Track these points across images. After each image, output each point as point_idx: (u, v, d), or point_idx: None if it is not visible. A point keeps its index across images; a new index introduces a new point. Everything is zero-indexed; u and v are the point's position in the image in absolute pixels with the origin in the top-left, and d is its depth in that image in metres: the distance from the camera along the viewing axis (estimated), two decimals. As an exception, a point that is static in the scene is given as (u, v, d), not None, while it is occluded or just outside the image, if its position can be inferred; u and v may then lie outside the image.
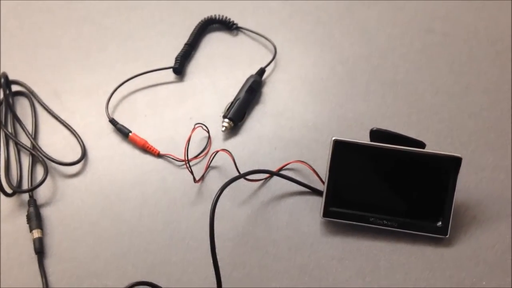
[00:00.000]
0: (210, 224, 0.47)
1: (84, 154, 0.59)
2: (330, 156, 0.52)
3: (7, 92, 0.62)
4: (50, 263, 0.52)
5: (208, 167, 0.58)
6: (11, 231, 0.54)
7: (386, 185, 0.53)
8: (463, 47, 0.69)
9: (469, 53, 0.68)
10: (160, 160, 0.60)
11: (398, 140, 0.53)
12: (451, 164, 0.51)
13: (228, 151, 0.57)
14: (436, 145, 0.58)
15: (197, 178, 0.57)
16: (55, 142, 0.61)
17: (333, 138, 0.52)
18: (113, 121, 0.61)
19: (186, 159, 0.56)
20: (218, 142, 0.61)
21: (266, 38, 0.70)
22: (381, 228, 0.52)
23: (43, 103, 0.64)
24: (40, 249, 0.51)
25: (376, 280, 0.50)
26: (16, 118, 0.62)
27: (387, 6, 0.74)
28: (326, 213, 0.52)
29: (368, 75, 0.66)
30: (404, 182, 0.52)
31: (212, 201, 0.50)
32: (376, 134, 0.54)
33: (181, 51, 0.68)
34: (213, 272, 0.50)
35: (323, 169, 0.56)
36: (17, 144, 0.59)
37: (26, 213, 0.54)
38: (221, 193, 0.49)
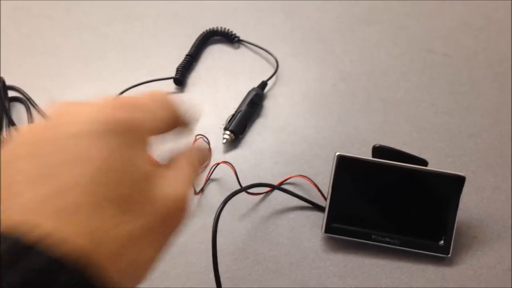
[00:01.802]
0: (212, 238, 0.46)
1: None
2: (333, 172, 0.52)
3: (4, 97, 0.61)
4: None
5: (208, 179, 0.57)
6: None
7: (389, 202, 0.52)
8: (463, 67, 0.69)
9: (469, 74, 0.69)
10: (159, 171, 0.58)
11: (401, 157, 0.53)
12: (454, 183, 0.51)
13: (230, 163, 0.56)
14: (437, 164, 0.58)
15: (197, 190, 0.56)
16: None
17: (337, 154, 0.52)
18: (112, 130, 0.60)
19: (187, 170, 0.55)
20: (218, 154, 0.60)
21: (267, 52, 0.70)
22: (383, 245, 0.52)
23: (40, 110, 0.62)
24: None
25: (378, 299, 0.49)
26: (12, 124, 0.60)
27: (387, 25, 0.75)
28: (328, 229, 0.52)
29: (369, 93, 0.67)
30: (406, 200, 0.52)
31: (214, 214, 0.49)
32: (378, 151, 0.54)
33: (182, 62, 0.67)
34: (212, 287, 0.49)
35: (324, 184, 0.55)
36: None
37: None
38: (223, 206, 0.48)
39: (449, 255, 0.51)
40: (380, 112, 0.64)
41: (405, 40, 0.73)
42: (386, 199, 0.52)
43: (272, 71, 0.68)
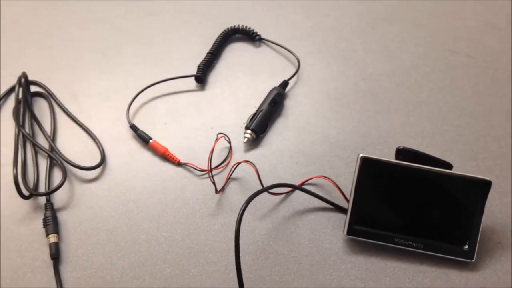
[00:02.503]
0: (235, 238, 0.46)
1: (103, 159, 0.58)
2: (356, 173, 0.51)
3: (26, 92, 0.61)
4: (66, 270, 0.50)
5: (228, 178, 0.57)
6: (27, 235, 0.52)
7: (413, 205, 0.52)
8: (487, 69, 0.68)
9: (493, 75, 0.68)
10: (180, 169, 0.58)
11: (425, 160, 0.52)
12: (480, 188, 0.50)
13: (252, 163, 0.56)
14: (460, 167, 0.57)
15: (218, 189, 0.55)
16: (73, 146, 0.60)
17: (360, 155, 0.51)
18: (133, 127, 0.60)
19: (209, 168, 0.55)
20: (239, 153, 0.60)
21: (289, 51, 0.69)
22: (406, 249, 0.51)
23: (62, 105, 0.62)
24: (56, 255, 0.50)
25: (400, 303, 0.49)
26: (34, 119, 0.60)
27: (409, 25, 0.74)
28: (350, 231, 0.51)
29: (391, 93, 0.66)
30: (431, 203, 0.51)
31: (234, 214, 0.50)
32: (402, 153, 0.53)
33: (203, 60, 0.67)
34: (233, 286, 0.49)
35: (346, 185, 0.55)
36: (35, 146, 0.58)
37: (42, 217, 0.53)
38: (246, 206, 0.48)
39: (473, 260, 0.50)
40: (402, 113, 0.64)
41: (428, 40, 0.72)
42: (409, 202, 0.52)
43: (293, 70, 0.68)
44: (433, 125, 0.62)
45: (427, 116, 0.63)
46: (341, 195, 0.55)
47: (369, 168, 0.51)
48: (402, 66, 0.69)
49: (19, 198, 0.53)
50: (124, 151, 0.60)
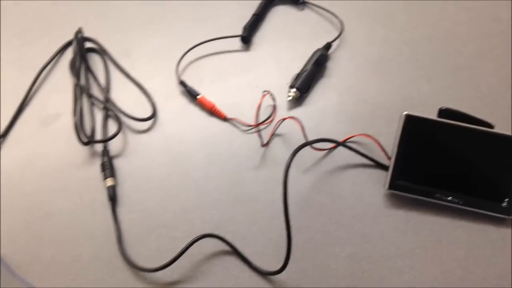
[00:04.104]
0: (283, 187, 0.48)
1: (155, 112, 0.60)
2: (400, 130, 0.53)
3: (82, 46, 0.64)
4: (122, 211, 0.54)
5: (273, 134, 0.59)
6: (85, 179, 0.56)
7: (454, 162, 0.53)
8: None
9: (536, 43, 0.68)
10: (226, 124, 0.61)
11: (467, 121, 0.54)
12: (521, 147, 0.51)
13: (297, 118, 0.58)
14: (500, 130, 0.58)
15: (263, 143, 0.58)
16: (125, 99, 0.63)
17: (405, 113, 0.53)
18: (183, 83, 0.63)
19: (257, 123, 0.58)
20: (282, 111, 0.62)
21: (332, 14, 0.71)
22: (445, 204, 0.53)
23: (116, 61, 0.65)
24: (113, 197, 0.53)
25: (438, 254, 0.51)
26: (90, 71, 0.63)
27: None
28: (392, 186, 0.53)
29: (433, 58, 0.67)
30: (471, 161, 0.53)
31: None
32: (444, 113, 0.55)
33: (249, 21, 0.69)
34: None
35: (386, 144, 0.57)
36: (91, 97, 0.61)
37: (100, 162, 0.56)
38: (293, 158, 0.50)
39: (511, 217, 0.52)
40: (443, 77, 0.65)
41: (470, 6, 0.72)
42: (451, 159, 0.53)
43: (335, 33, 0.69)
44: (473, 90, 0.63)
45: (467, 81, 0.64)
46: (382, 153, 0.57)
47: (412, 126, 0.53)
48: (444, 32, 0.70)
49: (78, 145, 0.57)
50: (173, 106, 0.62)
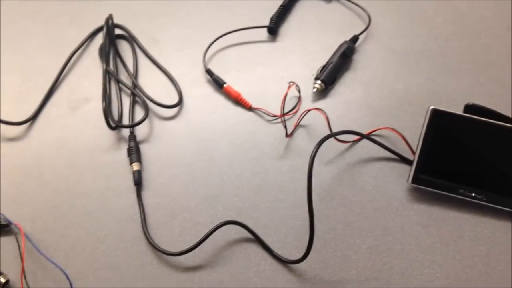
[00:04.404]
0: (308, 176, 0.48)
1: (181, 99, 0.61)
2: (426, 124, 0.53)
3: (112, 33, 0.65)
4: (146, 196, 0.55)
5: (297, 125, 0.60)
6: (112, 162, 0.57)
7: (478, 158, 0.53)
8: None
9: None
10: (251, 113, 0.62)
11: (493, 117, 0.53)
12: (549, 145, 0.51)
13: (322, 110, 0.58)
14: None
15: (288, 133, 0.58)
16: (152, 86, 0.64)
17: (431, 107, 0.53)
18: (209, 72, 0.63)
19: (282, 113, 0.58)
20: (307, 102, 0.63)
21: (360, 7, 0.70)
22: (468, 200, 0.53)
23: (144, 48, 0.66)
24: (138, 181, 0.54)
25: (459, 250, 0.51)
26: (119, 57, 0.64)
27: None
28: (415, 180, 0.53)
29: (460, 53, 0.66)
30: (496, 158, 0.53)
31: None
32: (471, 109, 0.55)
33: (276, 12, 0.69)
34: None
35: (411, 138, 0.57)
36: (119, 83, 0.62)
37: (126, 147, 0.57)
38: (318, 148, 0.50)
39: (535, 215, 0.52)
40: (470, 73, 0.64)
41: (498, 2, 0.71)
42: (476, 155, 0.53)
43: (362, 27, 0.69)
44: (501, 87, 0.63)
45: (495, 78, 0.63)
46: (406, 147, 0.57)
47: (438, 120, 0.53)
48: (472, 28, 0.69)
49: (105, 129, 0.58)
50: (199, 94, 0.63)
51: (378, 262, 0.50)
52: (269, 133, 0.60)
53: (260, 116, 0.61)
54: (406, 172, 0.56)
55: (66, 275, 0.48)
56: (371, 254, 0.51)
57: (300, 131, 0.60)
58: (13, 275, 0.49)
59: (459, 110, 0.55)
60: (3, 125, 0.59)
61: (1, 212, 0.52)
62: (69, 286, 0.48)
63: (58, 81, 0.63)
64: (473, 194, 0.52)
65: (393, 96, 0.63)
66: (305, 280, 0.50)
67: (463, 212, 0.53)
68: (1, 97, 0.63)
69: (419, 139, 0.54)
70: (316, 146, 0.51)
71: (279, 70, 0.65)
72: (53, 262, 0.49)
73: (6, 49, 0.67)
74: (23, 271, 0.48)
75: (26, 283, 0.48)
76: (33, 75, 0.65)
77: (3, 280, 0.48)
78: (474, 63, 0.65)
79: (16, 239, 0.51)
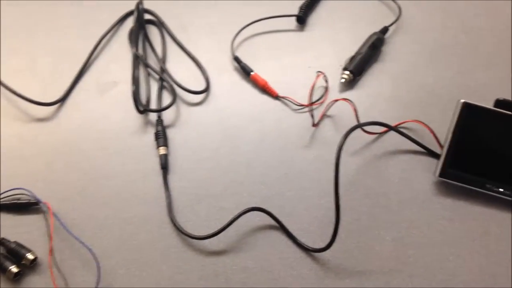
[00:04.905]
0: (335, 166, 0.48)
1: (208, 85, 0.62)
2: (456, 118, 0.53)
3: (142, 17, 0.66)
4: (173, 179, 0.55)
5: (324, 115, 0.60)
6: (139, 146, 0.58)
7: (508, 154, 0.52)
8: None
9: None
10: (277, 102, 0.62)
11: (525, 113, 0.52)
12: None
13: (350, 100, 0.58)
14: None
15: (315, 122, 0.58)
16: (180, 71, 0.64)
17: (462, 101, 0.53)
18: (237, 59, 0.63)
19: (310, 102, 0.58)
20: (334, 92, 0.62)
21: (390, -2, 0.70)
22: (495, 195, 0.52)
23: (172, 33, 0.67)
24: (165, 165, 0.55)
25: (485, 245, 0.50)
26: (148, 42, 0.65)
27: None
28: (443, 174, 0.53)
29: (492, 48, 0.65)
30: (527, 154, 0.52)
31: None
32: (501, 104, 0.54)
33: (305, 1, 0.69)
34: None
35: (439, 132, 0.56)
36: (147, 67, 0.62)
37: (154, 131, 0.58)
38: (346, 138, 0.50)
39: None
40: (501, 68, 0.63)
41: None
42: (505, 151, 0.52)
43: (392, 18, 0.68)
44: (534, 83, 0.62)
45: (528, 73, 0.62)
46: (433, 141, 0.56)
47: (468, 114, 0.52)
48: (504, 22, 0.68)
49: (133, 113, 0.59)
50: (226, 81, 0.63)
51: (402, 254, 0.50)
52: (295, 122, 0.60)
53: (286, 104, 0.61)
54: (432, 166, 0.55)
55: (93, 254, 0.49)
56: (395, 246, 0.51)
57: (326, 121, 0.60)
58: (41, 252, 0.50)
59: (489, 105, 0.54)
60: (34, 105, 0.60)
61: (31, 190, 0.52)
62: (95, 265, 0.48)
63: (88, 63, 0.64)
64: (501, 189, 0.52)
65: (421, 89, 0.62)
66: (328, 269, 0.50)
67: (490, 208, 0.53)
68: (33, 78, 0.63)
69: (448, 133, 0.53)
70: (344, 136, 0.50)
71: (306, 60, 0.65)
72: (80, 241, 0.50)
73: (39, 30, 0.68)
74: (51, 249, 0.49)
75: (54, 260, 0.49)
76: (64, 56, 0.65)
77: (31, 257, 0.49)
78: (505, 58, 0.64)
79: (45, 217, 0.52)
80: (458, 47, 0.66)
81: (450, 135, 0.53)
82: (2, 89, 0.61)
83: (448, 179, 0.53)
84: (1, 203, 0.52)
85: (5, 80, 0.61)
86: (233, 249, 0.51)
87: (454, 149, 0.53)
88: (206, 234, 0.50)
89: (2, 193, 0.53)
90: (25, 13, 0.70)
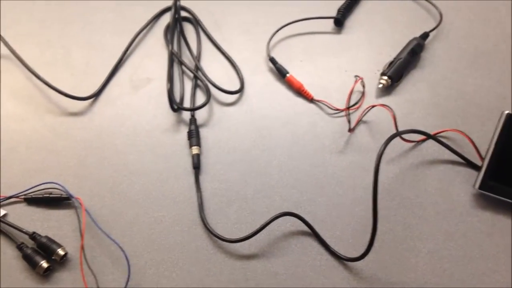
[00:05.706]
0: (374, 174, 0.47)
1: (242, 85, 0.61)
2: (499, 129, 0.51)
3: (179, 14, 0.65)
4: (204, 180, 0.55)
5: (359, 120, 0.58)
6: (171, 144, 0.57)
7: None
8: None
9: None
10: (312, 105, 0.60)
11: None
12: None
13: (389, 107, 0.57)
14: None
15: (351, 127, 0.57)
16: (214, 70, 0.63)
17: (506, 112, 0.51)
18: (273, 60, 0.62)
19: (348, 107, 0.57)
20: (370, 98, 0.61)
21: (431, 3, 0.68)
22: (538, 212, 0.50)
23: (208, 32, 0.66)
24: (197, 165, 0.54)
25: (526, 262, 0.49)
26: (184, 40, 0.64)
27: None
28: (483, 186, 0.51)
29: (535, 58, 0.63)
30: None
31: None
32: (547, 117, 0.52)
33: (344, 3, 0.67)
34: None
35: (478, 143, 0.54)
36: (182, 65, 0.62)
37: (187, 130, 0.57)
38: (386, 146, 0.48)
39: None
40: (545, 79, 0.61)
41: None
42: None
43: (431, 24, 0.67)
44: None
45: None
46: (473, 151, 0.55)
47: (512, 126, 0.50)
48: (549, 32, 0.66)
49: (166, 110, 0.58)
50: (261, 81, 0.62)
51: (438, 267, 0.49)
52: (330, 126, 0.59)
53: (321, 108, 0.60)
54: (471, 177, 0.54)
55: (124, 252, 0.48)
56: (431, 258, 0.49)
57: (361, 127, 0.59)
58: (71, 248, 0.50)
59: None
60: (66, 99, 0.60)
61: (62, 185, 0.52)
62: (126, 263, 0.48)
63: (123, 59, 0.64)
64: (544, 205, 0.50)
65: (461, 98, 0.60)
66: (361, 279, 0.48)
67: (531, 224, 0.51)
68: (66, 71, 0.63)
69: (490, 144, 0.52)
70: (384, 144, 0.49)
71: (343, 63, 0.64)
72: (111, 239, 0.49)
73: (74, 23, 0.68)
74: (82, 246, 0.48)
75: (85, 256, 0.48)
76: (98, 51, 0.65)
77: (62, 253, 0.48)
78: (550, 68, 0.62)
79: (76, 212, 0.52)
80: (499, 55, 0.64)
81: (492, 146, 0.51)
82: (35, 80, 0.61)
83: (488, 192, 0.51)
84: (33, 196, 0.52)
85: (38, 72, 0.61)
86: (264, 254, 0.50)
87: (496, 161, 0.51)
88: (237, 237, 0.49)
89: (34, 187, 0.52)
90: (61, 6, 0.70)
